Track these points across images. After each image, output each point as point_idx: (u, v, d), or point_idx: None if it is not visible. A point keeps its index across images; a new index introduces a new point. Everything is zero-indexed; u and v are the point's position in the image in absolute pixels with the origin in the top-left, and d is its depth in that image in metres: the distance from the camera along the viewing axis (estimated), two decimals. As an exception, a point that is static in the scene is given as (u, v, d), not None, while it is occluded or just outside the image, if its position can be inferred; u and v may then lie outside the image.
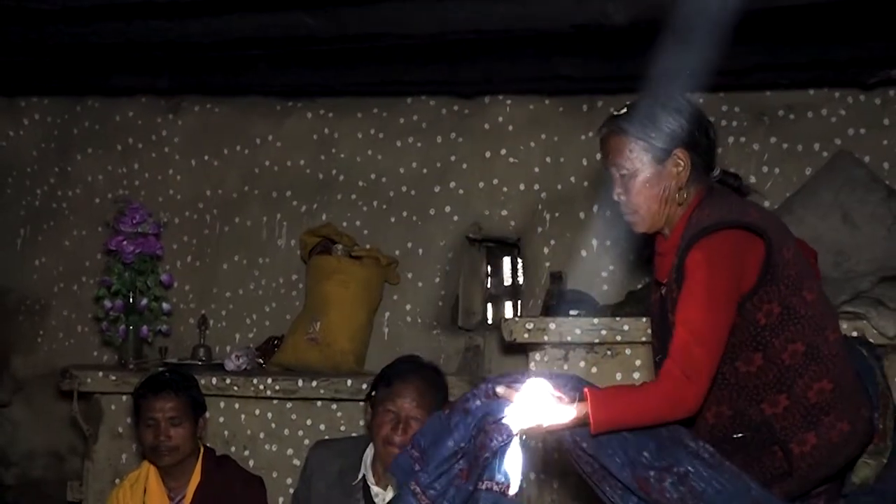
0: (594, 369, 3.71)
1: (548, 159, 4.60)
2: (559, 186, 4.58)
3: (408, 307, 4.69)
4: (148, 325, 4.55)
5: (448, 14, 3.62)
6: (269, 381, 4.21)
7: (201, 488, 3.52)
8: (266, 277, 4.86)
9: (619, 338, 3.66)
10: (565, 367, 3.69)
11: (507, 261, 4.86)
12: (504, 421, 2.39)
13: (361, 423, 4.01)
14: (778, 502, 2.36)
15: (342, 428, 4.18)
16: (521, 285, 4.76)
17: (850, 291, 3.66)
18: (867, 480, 2.50)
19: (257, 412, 4.28)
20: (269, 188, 4.91)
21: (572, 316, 3.81)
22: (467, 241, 4.71)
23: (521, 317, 4.21)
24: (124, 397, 4.28)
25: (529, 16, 3.58)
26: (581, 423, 2.35)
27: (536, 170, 4.61)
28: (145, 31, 3.84)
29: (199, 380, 3.80)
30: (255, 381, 4.22)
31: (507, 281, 4.87)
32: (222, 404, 4.27)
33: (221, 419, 4.27)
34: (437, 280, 4.68)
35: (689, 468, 2.35)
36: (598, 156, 2.72)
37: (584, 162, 4.53)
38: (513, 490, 2.45)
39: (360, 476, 3.31)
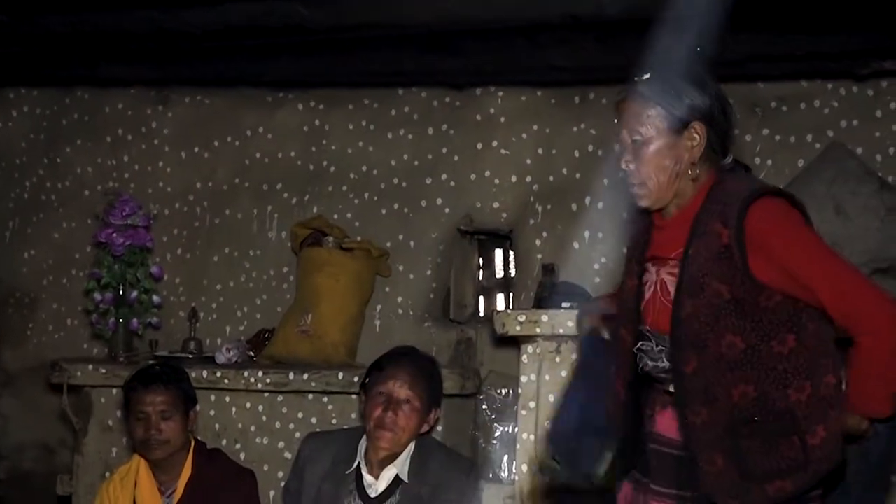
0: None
1: (540, 151, 4.59)
2: (551, 178, 4.56)
3: (399, 299, 4.68)
4: (138, 318, 4.53)
5: (440, 4, 3.61)
6: (260, 374, 4.19)
7: (192, 482, 3.51)
8: (257, 270, 4.85)
9: (606, 334, 3.64)
10: (557, 359, 3.68)
11: (498, 253, 4.85)
12: None
13: (353, 415, 4.00)
14: None
15: (333, 421, 4.17)
16: (513, 277, 4.74)
17: (842, 283, 3.65)
18: None
19: (248, 405, 4.27)
20: (259, 180, 4.89)
21: (564, 308, 3.79)
22: (459, 234, 4.70)
23: (513, 309, 4.19)
24: (114, 390, 4.26)
25: (522, 6, 3.57)
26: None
27: (528, 161, 4.60)
28: (135, 21, 3.83)
29: (189, 373, 3.79)
30: (245, 374, 4.20)
31: (499, 273, 4.85)
32: (213, 397, 4.25)
33: (212, 412, 4.26)
34: (429, 272, 4.67)
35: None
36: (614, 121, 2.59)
37: (577, 154, 4.52)
38: None
39: (354, 465, 3.31)
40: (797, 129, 4.34)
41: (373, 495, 3.26)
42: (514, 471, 3.85)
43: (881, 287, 2.37)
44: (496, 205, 4.62)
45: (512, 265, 4.76)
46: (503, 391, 4.29)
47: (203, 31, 3.84)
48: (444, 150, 4.69)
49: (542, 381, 3.72)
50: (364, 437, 3.33)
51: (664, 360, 2.45)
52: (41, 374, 4.71)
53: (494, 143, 4.63)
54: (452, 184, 4.67)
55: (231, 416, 4.28)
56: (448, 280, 4.71)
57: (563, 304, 3.84)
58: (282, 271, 4.81)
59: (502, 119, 4.64)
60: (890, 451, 2.46)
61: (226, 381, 4.21)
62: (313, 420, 4.20)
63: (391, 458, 3.27)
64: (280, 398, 4.24)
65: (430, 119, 4.73)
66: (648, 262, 2.53)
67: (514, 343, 3.93)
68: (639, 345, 2.52)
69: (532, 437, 3.72)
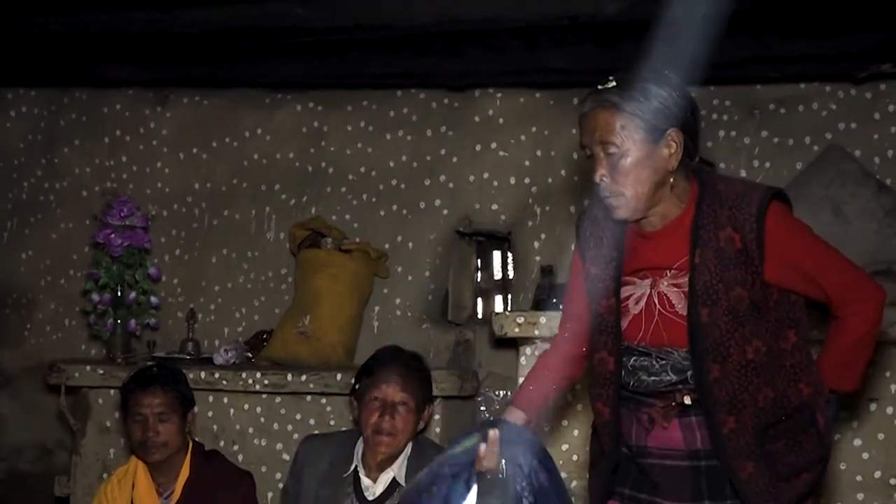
0: (585, 363, 3.70)
1: (538, 153, 4.59)
2: (549, 180, 4.57)
3: (397, 301, 4.68)
4: (136, 319, 4.52)
5: (439, 6, 3.61)
6: (259, 375, 4.19)
7: (190, 484, 3.50)
8: (255, 271, 4.85)
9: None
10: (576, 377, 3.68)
11: (497, 254, 4.85)
12: None
13: (351, 417, 4.00)
14: None
15: (332, 422, 4.17)
16: (511, 279, 4.75)
17: (840, 286, 3.66)
18: None
19: (246, 406, 4.26)
20: (258, 181, 4.89)
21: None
22: (457, 235, 4.70)
23: (511, 311, 4.19)
24: (112, 391, 4.26)
25: (520, 7, 3.57)
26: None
27: (527, 163, 4.60)
28: (133, 22, 3.83)
29: (187, 374, 3.77)
30: (244, 375, 4.20)
31: (498, 275, 4.85)
32: (211, 398, 4.25)
33: (210, 413, 4.25)
34: (427, 274, 4.67)
35: None
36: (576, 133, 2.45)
37: (575, 156, 4.52)
38: None
39: (351, 468, 3.30)
40: (795, 131, 4.35)
41: (370, 498, 3.26)
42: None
43: (860, 269, 2.42)
44: (495, 206, 4.62)
45: (510, 267, 4.76)
46: (501, 393, 4.30)
47: (201, 32, 3.84)
48: (443, 152, 4.69)
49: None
50: (360, 439, 3.33)
51: (669, 373, 2.37)
52: (39, 374, 4.71)
53: (493, 145, 4.64)
54: (451, 185, 4.67)
55: (229, 418, 4.28)
56: (446, 281, 4.71)
57: (562, 306, 3.84)
58: (280, 272, 4.81)
59: (501, 121, 4.64)
60: (835, 417, 2.48)
61: (224, 382, 4.21)
62: (311, 421, 4.20)
63: (389, 461, 3.27)
64: (278, 399, 4.23)
65: (429, 120, 4.73)
66: (633, 275, 2.43)
67: (512, 345, 3.93)
68: (631, 362, 2.42)
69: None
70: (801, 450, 2.36)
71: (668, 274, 2.38)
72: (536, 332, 3.69)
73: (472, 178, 4.65)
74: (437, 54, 4.11)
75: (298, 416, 4.22)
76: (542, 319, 3.68)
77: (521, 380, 3.73)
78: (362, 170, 4.77)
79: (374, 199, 4.75)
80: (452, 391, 4.08)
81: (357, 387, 3.34)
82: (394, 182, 4.74)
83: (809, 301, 2.40)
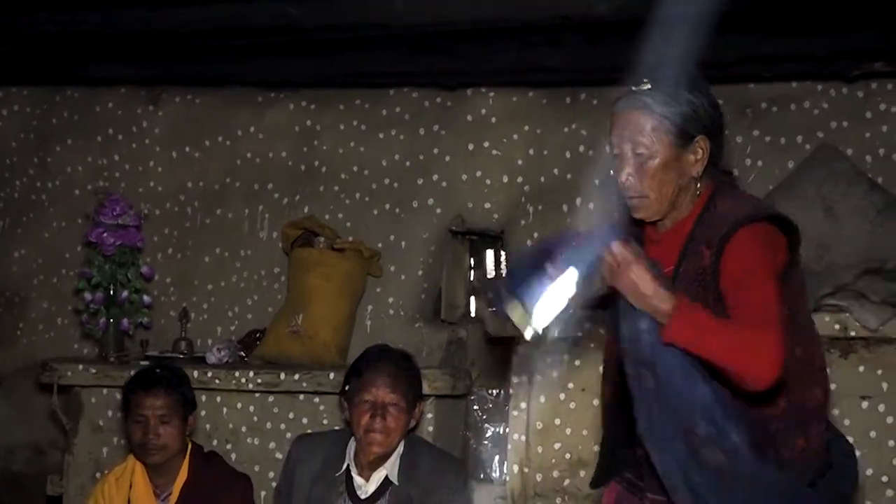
0: (577, 362, 3.71)
1: (531, 152, 4.60)
2: (542, 179, 4.57)
3: (390, 300, 4.68)
4: (129, 318, 4.52)
5: (431, 5, 3.61)
6: (251, 374, 4.19)
7: (188, 486, 3.48)
8: (248, 270, 4.84)
9: (602, 330, 3.65)
10: (548, 360, 3.69)
11: (490, 253, 4.85)
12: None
13: (342, 417, 4.00)
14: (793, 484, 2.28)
15: (325, 421, 4.17)
16: (504, 278, 4.75)
17: (832, 284, 3.67)
18: None
19: (239, 405, 4.26)
20: (250, 180, 4.88)
21: (556, 309, 3.80)
22: (450, 234, 4.70)
23: (504, 309, 4.19)
24: (105, 390, 4.26)
25: (513, 7, 3.57)
26: (658, 315, 2.21)
27: (520, 162, 4.60)
28: (126, 21, 3.82)
29: (180, 373, 3.77)
30: (236, 374, 4.20)
31: (491, 273, 4.86)
32: (204, 398, 4.23)
33: (203, 413, 4.24)
34: (420, 273, 4.67)
35: (736, 444, 2.23)
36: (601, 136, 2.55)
37: (568, 154, 4.53)
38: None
39: (343, 467, 3.31)
40: (787, 130, 4.35)
41: (363, 497, 3.26)
42: (504, 471, 3.87)
43: (780, 333, 2.22)
44: (487, 205, 4.63)
45: (503, 266, 4.76)
46: (494, 392, 4.30)
47: (193, 31, 3.84)
48: (436, 151, 4.70)
49: (534, 382, 3.74)
50: (352, 438, 3.33)
51: None
52: (31, 374, 4.69)
53: (486, 144, 4.64)
54: (444, 184, 4.67)
55: (222, 417, 4.28)
56: (439, 280, 4.71)
57: (554, 305, 3.85)
58: (273, 271, 4.80)
59: (493, 120, 4.65)
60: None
61: (217, 381, 4.21)
62: (304, 420, 4.20)
63: (381, 460, 3.27)
64: (271, 398, 4.23)
65: (422, 119, 4.73)
66: None
67: (505, 344, 3.94)
68: None
69: (523, 437, 3.73)
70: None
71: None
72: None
73: (464, 176, 4.65)
74: (430, 53, 4.11)
75: (291, 415, 4.22)
76: (535, 318, 3.68)
77: (514, 379, 3.76)
78: (355, 169, 4.77)
79: (366, 198, 4.75)
80: (445, 390, 4.08)
81: (347, 388, 3.35)
82: (386, 181, 4.74)
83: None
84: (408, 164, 4.72)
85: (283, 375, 4.16)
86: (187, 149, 4.96)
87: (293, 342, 4.39)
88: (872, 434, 3.58)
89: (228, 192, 4.90)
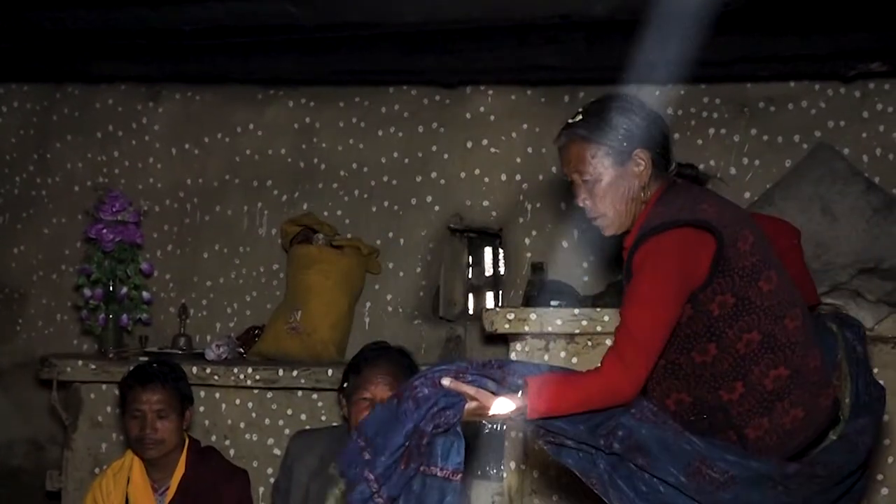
0: (575, 360, 3.72)
1: (529, 150, 4.61)
2: (540, 177, 4.58)
3: (389, 297, 4.69)
4: (128, 314, 4.53)
5: (430, 4, 3.62)
6: (250, 370, 4.20)
7: (185, 480, 3.50)
8: (247, 267, 4.86)
9: (599, 328, 3.67)
10: (546, 357, 3.70)
11: (488, 251, 4.87)
12: (446, 409, 2.42)
13: (341, 414, 4.01)
14: (721, 447, 2.41)
15: (323, 417, 4.18)
16: (502, 276, 4.77)
17: (828, 283, 3.69)
18: None
19: (238, 402, 4.28)
20: (249, 177, 4.89)
21: (553, 306, 3.82)
22: (449, 231, 4.71)
23: (501, 307, 4.20)
24: (104, 386, 4.27)
25: (511, 6, 3.58)
26: (522, 413, 2.42)
27: (518, 160, 4.61)
28: (126, 19, 3.82)
29: (179, 369, 3.78)
30: (235, 370, 4.21)
31: (489, 271, 4.87)
32: (203, 394, 4.26)
33: (202, 409, 4.26)
34: (419, 270, 4.68)
35: (632, 426, 2.42)
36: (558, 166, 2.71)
37: (566, 152, 4.54)
38: (457, 475, 2.45)
39: (341, 464, 3.32)
40: (785, 129, 4.37)
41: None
42: (502, 468, 3.87)
43: (650, 353, 2.42)
44: (486, 203, 4.64)
45: (501, 263, 4.78)
46: (492, 388, 4.30)
47: (192, 29, 3.85)
48: (434, 149, 4.71)
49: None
50: (350, 434, 3.34)
51: None
52: (30, 369, 4.70)
53: (484, 142, 4.65)
54: (442, 182, 4.69)
55: (221, 413, 4.29)
56: (438, 278, 4.73)
57: (552, 303, 3.87)
58: (272, 268, 4.82)
59: (492, 118, 4.66)
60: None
61: (215, 377, 4.22)
62: (303, 416, 4.21)
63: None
64: (269, 395, 4.25)
65: (421, 117, 4.74)
66: None
67: (503, 341, 3.95)
68: None
69: (520, 434, 3.74)
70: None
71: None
72: (526, 329, 3.70)
73: (463, 174, 4.66)
74: (429, 52, 4.12)
75: (289, 412, 4.23)
76: (533, 316, 3.70)
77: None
78: (354, 166, 4.79)
79: (365, 196, 4.76)
80: (443, 387, 4.09)
81: (345, 385, 3.35)
82: (385, 178, 4.75)
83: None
84: (407, 161, 4.73)
85: (281, 372, 4.17)
86: (187, 146, 4.98)
87: (292, 339, 4.41)
88: (867, 432, 3.59)
89: (228, 188, 4.92)
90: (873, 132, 4.30)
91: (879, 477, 3.59)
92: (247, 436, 4.26)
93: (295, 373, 4.16)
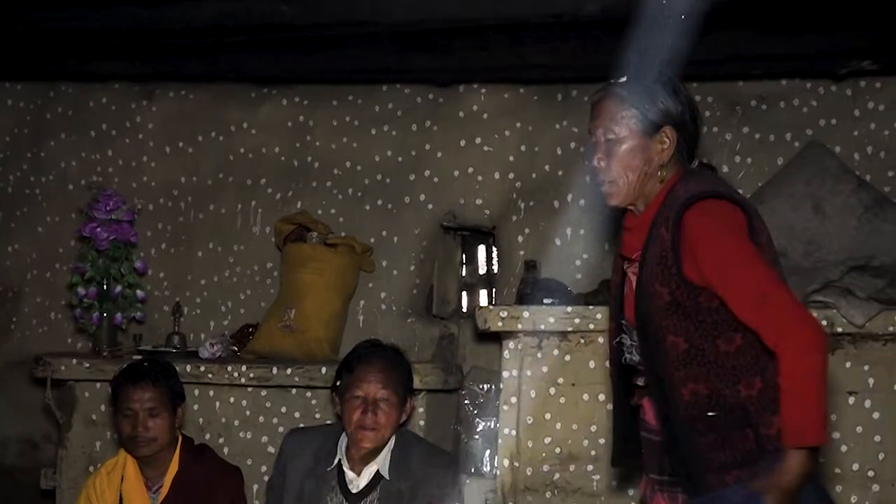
0: (567, 357, 3.74)
1: (522, 148, 4.62)
2: (534, 175, 4.59)
3: (382, 295, 4.70)
4: (122, 313, 4.52)
5: (423, 3, 3.63)
6: (244, 368, 4.21)
7: (179, 478, 3.50)
8: (241, 265, 4.86)
9: (592, 326, 3.69)
10: (539, 355, 3.71)
11: (481, 249, 4.88)
12: None
13: (334, 412, 4.02)
14: None
15: (317, 415, 4.19)
16: (495, 273, 4.78)
17: (819, 281, 3.70)
18: None
19: (232, 400, 4.28)
20: (243, 175, 4.90)
21: (546, 304, 3.83)
22: (442, 230, 4.72)
23: (495, 305, 4.23)
24: (98, 384, 4.27)
25: (504, 5, 3.59)
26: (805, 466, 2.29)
27: (511, 158, 4.62)
28: (120, 17, 3.83)
29: (173, 367, 3.79)
30: (229, 368, 4.22)
31: (482, 269, 4.88)
32: (197, 392, 4.26)
33: (196, 407, 4.27)
34: (412, 268, 4.69)
35: None
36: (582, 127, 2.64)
37: (559, 151, 4.55)
38: None
39: (335, 462, 3.33)
40: (776, 127, 4.38)
41: (354, 491, 3.28)
42: (495, 465, 3.89)
43: (801, 305, 2.35)
44: (479, 201, 4.65)
45: (494, 261, 4.79)
46: (485, 386, 4.32)
47: (186, 28, 3.85)
48: (428, 147, 4.71)
49: (524, 377, 3.76)
50: (344, 432, 3.35)
51: (635, 353, 2.58)
52: (25, 368, 4.70)
53: (477, 140, 4.66)
54: (436, 180, 4.69)
55: (215, 411, 4.29)
56: (431, 276, 4.74)
57: (545, 301, 3.88)
58: (266, 266, 4.82)
59: (485, 116, 4.67)
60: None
61: (209, 375, 4.23)
62: (297, 414, 4.22)
63: (372, 455, 3.29)
64: (264, 393, 4.25)
65: (414, 116, 4.75)
66: (623, 258, 2.66)
67: (496, 339, 3.96)
68: (618, 338, 2.65)
69: (513, 432, 3.75)
70: (733, 447, 2.41)
71: (634, 264, 2.57)
72: (520, 326, 3.72)
73: (456, 172, 4.67)
74: (423, 51, 4.12)
75: (283, 410, 4.24)
76: (526, 314, 3.72)
77: (504, 374, 3.78)
78: (348, 164, 4.79)
79: (359, 194, 4.77)
80: (436, 385, 4.11)
81: (339, 383, 3.36)
82: (379, 177, 4.76)
83: None
84: (400, 159, 4.74)
85: (275, 370, 4.18)
86: (181, 144, 4.98)
87: (286, 337, 4.42)
88: (859, 429, 3.61)
89: (221, 187, 4.92)
90: (864, 130, 4.31)
91: (871, 473, 3.61)
92: (241, 434, 4.27)
93: (289, 371, 4.17)
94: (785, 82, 4.39)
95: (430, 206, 4.69)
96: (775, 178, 4.14)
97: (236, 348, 4.54)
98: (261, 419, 4.26)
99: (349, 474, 3.31)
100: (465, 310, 4.81)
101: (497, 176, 4.63)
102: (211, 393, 4.29)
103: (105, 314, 4.50)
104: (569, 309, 3.73)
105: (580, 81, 4.46)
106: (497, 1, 3.61)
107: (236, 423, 4.27)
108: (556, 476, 3.76)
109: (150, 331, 4.74)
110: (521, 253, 4.55)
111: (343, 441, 3.35)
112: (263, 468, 4.15)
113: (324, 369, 4.12)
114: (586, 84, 4.41)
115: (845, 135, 4.31)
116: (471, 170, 4.65)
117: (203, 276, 4.89)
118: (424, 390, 4.03)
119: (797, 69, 4.27)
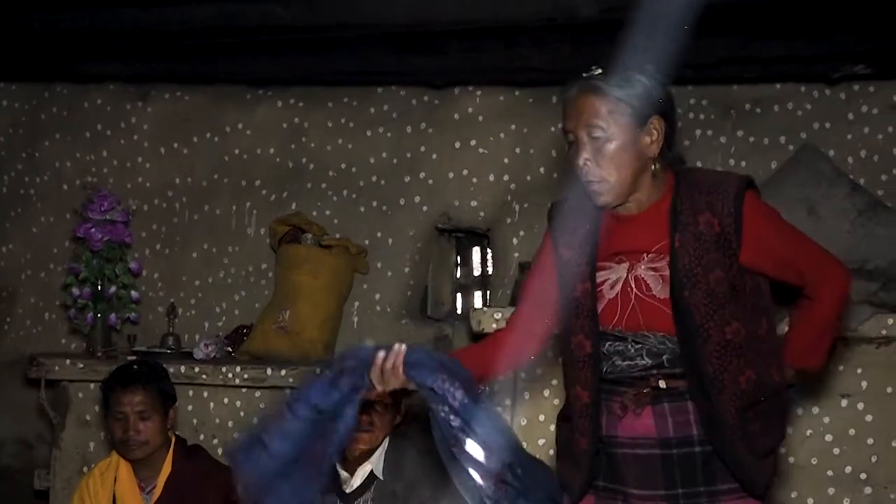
0: (561, 359, 3.73)
1: (517, 150, 4.62)
2: (528, 177, 4.60)
3: (377, 296, 4.70)
4: (116, 313, 4.52)
5: (419, 4, 3.64)
6: (238, 369, 4.21)
7: (172, 479, 3.51)
8: (235, 266, 4.86)
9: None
10: (532, 357, 3.71)
11: (476, 251, 4.88)
12: None
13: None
14: None
15: (311, 416, 4.19)
16: (490, 275, 4.78)
17: (813, 283, 3.70)
18: None
19: (226, 401, 4.28)
20: (238, 176, 4.90)
21: (540, 306, 3.83)
22: (437, 232, 4.73)
23: (489, 307, 4.22)
24: (92, 385, 4.27)
25: (500, 7, 3.60)
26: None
27: (506, 160, 4.63)
28: (116, 18, 3.83)
29: (167, 368, 3.77)
30: (223, 369, 4.22)
31: (477, 271, 4.88)
32: (191, 393, 4.26)
33: (190, 407, 4.27)
34: (407, 270, 4.70)
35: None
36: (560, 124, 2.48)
37: (554, 153, 4.56)
38: None
39: (328, 462, 3.33)
40: (770, 131, 4.40)
41: (348, 491, 3.28)
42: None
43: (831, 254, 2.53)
44: (474, 203, 4.65)
45: (489, 263, 4.79)
46: (480, 387, 4.31)
47: (182, 29, 3.85)
48: (423, 149, 4.72)
49: (518, 379, 3.76)
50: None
51: (644, 357, 2.39)
52: (19, 368, 4.70)
53: (472, 142, 4.66)
54: (431, 182, 4.70)
55: (209, 412, 4.29)
56: (426, 277, 4.74)
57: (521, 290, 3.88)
58: (260, 268, 4.82)
59: (480, 118, 4.67)
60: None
61: (204, 376, 4.23)
62: (290, 416, 4.21)
63: (366, 455, 3.30)
64: (258, 394, 4.25)
65: (409, 117, 4.75)
66: (608, 260, 2.46)
67: (490, 340, 3.96)
68: (605, 347, 2.44)
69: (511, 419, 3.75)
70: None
71: (646, 258, 2.41)
72: (514, 328, 3.72)
73: (451, 174, 4.68)
74: (418, 53, 4.14)
75: (278, 411, 4.23)
76: (520, 316, 3.72)
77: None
78: (343, 166, 4.80)
79: (354, 196, 4.77)
80: (431, 386, 4.10)
81: None
82: (374, 178, 4.76)
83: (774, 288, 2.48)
84: (395, 161, 4.75)
85: (269, 371, 4.18)
86: (176, 145, 4.98)
87: (280, 338, 4.42)
88: (851, 432, 3.62)
89: (216, 188, 4.92)
90: (858, 134, 4.33)
91: (863, 476, 3.62)
92: (235, 434, 4.25)
93: (283, 372, 4.17)
94: (779, 86, 4.40)
95: (424, 208, 4.69)
96: (769, 181, 4.14)
97: (231, 349, 4.54)
98: (255, 420, 4.25)
99: (343, 474, 3.31)
100: (459, 311, 4.81)
101: (492, 178, 4.64)
102: (205, 394, 4.29)
103: (99, 315, 4.50)
104: (562, 311, 3.73)
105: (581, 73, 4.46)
106: (492, 3, 3.61)
107: (230, 423, 4.27)
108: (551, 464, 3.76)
109: (144, 331, 4.74)
110: (516, 255, 4.56)
111: (337, 442, 3.35)
112: (257, 469, 4.15)
113: (318, 370, 4.12)
114: (581, 87, 4.41)
115: (839, 138, 4.32)
116: (465, 172, 4.66)
117: (197, 277, 4.89)
118: (418, 392, 4.03)
119: (791, 73, 4.28)
